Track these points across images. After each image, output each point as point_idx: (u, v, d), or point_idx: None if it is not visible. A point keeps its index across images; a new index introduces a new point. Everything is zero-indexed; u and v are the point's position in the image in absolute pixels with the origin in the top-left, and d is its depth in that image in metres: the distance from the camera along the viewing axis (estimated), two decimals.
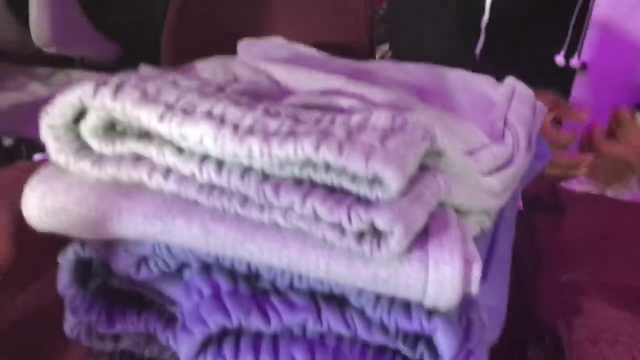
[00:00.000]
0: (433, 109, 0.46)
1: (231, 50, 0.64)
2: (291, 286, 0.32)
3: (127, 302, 0.37)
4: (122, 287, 0.37)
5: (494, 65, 0.90)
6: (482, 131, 0.48)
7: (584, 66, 0.83)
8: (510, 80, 0.56)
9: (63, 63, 1.06)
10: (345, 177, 0.29)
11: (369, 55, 1.06)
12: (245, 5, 1.04)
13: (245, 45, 0.63)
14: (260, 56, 0.59)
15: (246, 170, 0.30)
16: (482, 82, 0.56)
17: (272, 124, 0.30)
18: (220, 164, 0.31)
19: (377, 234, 0.28)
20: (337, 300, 0.32)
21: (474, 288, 0.29)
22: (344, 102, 0.38)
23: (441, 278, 0.28)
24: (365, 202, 0.28)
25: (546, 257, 0.56)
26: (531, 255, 0.60)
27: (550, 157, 0.59)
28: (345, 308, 0.32)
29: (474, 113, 0.51)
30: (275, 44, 0.62)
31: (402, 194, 0.29)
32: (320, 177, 0.29)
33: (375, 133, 0.30)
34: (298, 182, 0.30)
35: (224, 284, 0.32)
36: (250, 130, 0.30)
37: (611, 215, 0.61)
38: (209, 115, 0.31)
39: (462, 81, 0.55)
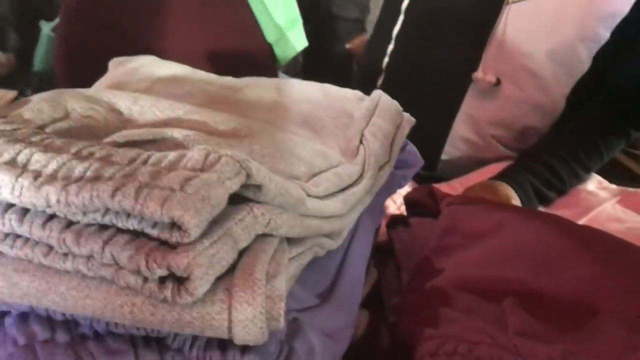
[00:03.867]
0: (286, 131, 0.47)
1: (125, 53, 0.63)
2: (109, 331, 0.32)
3: None
4: None
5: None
6: (339, 148, 0.50)
7: (498, 81, 0.86)
8: (375, 93, 0.57)
9: None
10: (145, 222, 0.29)
11: (268, 57, 1.06)
12: (139, 12, 1.02)
13: (114, 63, 0.62)
14: (127, 75, 0.58)
15: (50, 219, 0.30)
16: (347, 97, 0.57)
17: (79, 169, 0.30)
18: (24, 213, 0.30)
19: (178, 279, 0.29)
20: (156, 341, 0.32)
21: (280, 324, 0.29)
22: (177, 134, 0.38)
23: (243, 318, 0.29)
24: (166, 246, 0.29)
25: (419, 263, 0.58)
26: (409, 259, 0.61)
27: (421, 164, 0.61)
28: (163, 349, 0.32)
29: (334, 129, 0.52)
30: (145, 61, 0.61)
31: (203, 235, 0.29)
32: (123, 222, 0.29)
33: (182, 174, 0.30)
34: (103, 228, 0.30)
35: (40, 333, 0.32)
36: (52, 178, 0.29)
37: (482, 218, 0.63)
38: (12, 163, 0.30)
39: (327, 98, 0.56)
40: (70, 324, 0.32)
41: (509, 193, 0.78)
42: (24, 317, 0.32)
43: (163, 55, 0.64)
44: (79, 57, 1.06)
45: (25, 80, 1.29)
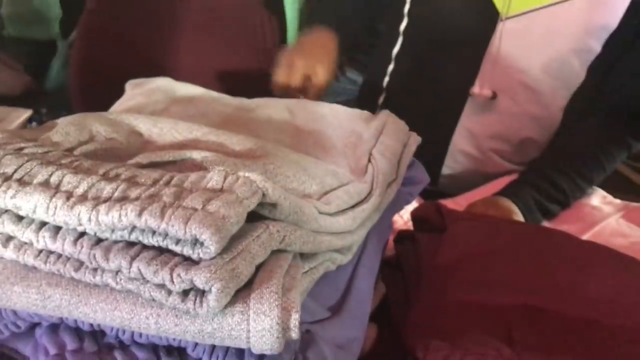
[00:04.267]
0: (298, 151, 0.49)
1: (136, 76, 0.66)
2: (133, 341, 0.34)
3: None
4: None
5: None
6: (349, 167, 0.52)
7: (494, 95, 0.89)
8: (383, 113, 0.59)
9: None
10: (170, 239, 0.31)
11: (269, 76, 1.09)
12: (153, 32, 1.05)
13: (132, 85, 0.64)
14: (144, 97, 0.61)
15: (80, 236, 0.32)
16: (355, 117, 0.59)
17: (107, 189, 0.32)
18: (57, 231, 0.32)
19: (200, 292, 0.31)
20: (177, 351, 0.34)
21: (294, 334, 0.31)
22: (196, 155, 0.41)
23: (261, 328, 0.31)
24: (189, 262, 0.31)
25: (425, 277, 0.60)
26: (416, 274, 0.63)
27: (427, 181, 0.63)
28: (184, 358, 0.34)
29: (343, 149, 0.54)
30: (161, 84, 0.63)
31: (223, 251, 0.31)
32: (148, 239, 0.31)
33: (203, 194, 0.32)
34: (130, 244, 0.32)
35: (70, 343, 0.34)
36: (83, 198, 0.32)
37: (488, 234, 0.65)
38: (45, 184, 0.32)
39: (336, 118, 0.58)
40: (97, 334, 0.34)
41: (511, 208, 0.79)
42: (54, 328, 0.35)
43: (174, 72, 0.67)
44: (93, 74, 1.09)
45: (40, 100, 1.32)
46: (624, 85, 0.86)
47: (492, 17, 0.86)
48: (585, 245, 0.65)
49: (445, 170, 0.97)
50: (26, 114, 1.06)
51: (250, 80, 1.02)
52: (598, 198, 0.87)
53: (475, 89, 0.89)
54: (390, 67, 0.99)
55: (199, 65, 1.02)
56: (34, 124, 1.05)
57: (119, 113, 0.47)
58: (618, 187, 0.91)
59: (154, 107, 0.57)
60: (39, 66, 1.35)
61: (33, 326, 0.36)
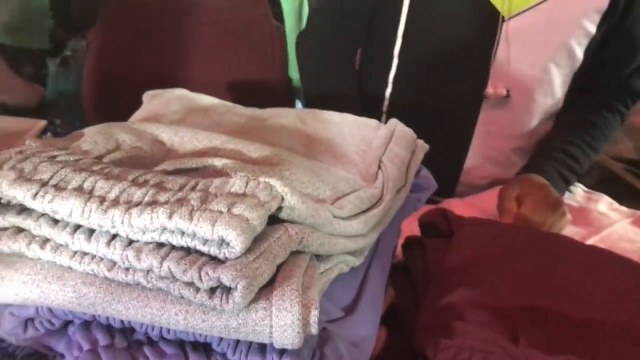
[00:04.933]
0: (310, 159, 0.51)
1: (148, 88, 0.68)
2: (161, 337, 0.36)
3: (22, 357, 0.41)
4: (16, 343, 0.40)
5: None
6: (359, 174, 0.54)
7: (508, 94, 0.92)
8: (391, 122, 0.62)
9: None
10: (198, 240, 0.33)
11: (283, 84, 1.12)
12: (165, 45, 1.08)
13: (149, 96, 0.66)
14: (162, 107, 0.63)
15: (113, 238, 0.34)
16: (365, 126, 0.61)
17: (137, 194, 0.35)
18: (90, 233, 0.34)
19: (226, 289, 0.33)
20: (203, 347, 0.36)
21: (314, 330, 0.33)
22: (217, 162, 0.43)
23: (283, 324, 0.33)
24: (215, 261, 0.33)
25: (433, 281, 0.61)
26: (424, 279, 0.65)
27: (434, 187, 0.65)
28: (210, 353, 0.36)
29: (354, 156, 0.57)
30: (177, 94, 0.65)
31: (247, 251, 0.33)
32: (177, 240, 0.33)
33: (228, 198, 0.34)
34: (160, 245, 0.34)
35: (102, 339, 0.36)
36: (115, 202, 0.34)
37: (494, 239, 0.67)
38: (79, 189, 0.35)
39: (346, 127, 0.61)
40: (127, 331, 0.36)
41: (543, 182, 0.86)
42: (87, 325, 0.37)
43: (185, 83, 0.69)
44: (105, 87, 1.12)
45: (53, 111, 1.35)
46: (613, 62, 0.94)
47: (494, 19, 0.88)
48: (589, 250, 0.67)
49: (465, 178, 0.99)
50: (40, 124, 1.08)
51: (261, 91, 1.05)
52: (605, 204, 0.89)
53: (489, 90, 0.92)
54: (388, 90, 1.00)
55: (209, 77, 1.04)
56: (48, 134, 1.08)
57: (141, 123, 0.49)
58: (623, 196, 0.94)
59: (172, 117, 0.60)
60: (36, 76, 1.38)
61: (66, 324, 0.38)
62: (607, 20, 0.88)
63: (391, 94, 0.99)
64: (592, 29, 0.89)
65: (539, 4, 0.87)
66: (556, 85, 0.93)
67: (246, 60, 1.08)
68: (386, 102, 1.00)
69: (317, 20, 1.02)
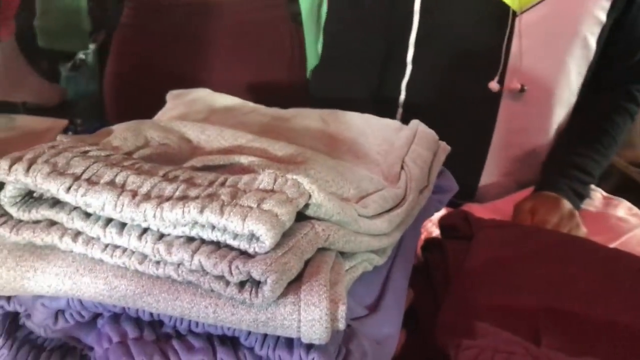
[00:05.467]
0: (332, 158, 0.52)
1: (169, 89, 0.69)
2: (190, 330, 0.36)
3: (51, 349, 0.41)
4: (46, 335, 0.41)
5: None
6: (382, 174, 0.54)
7: (522, 89, 0.91)
8: (413, 123, 0.62)
9: (6, 108, 1.09)
10: (228, 234, 0.34)
11: (303, 85, 1.12)
12: (185, 46, 1.09)
13: (173, 96, 0.67)
14: (186, 107, 0.64)
15: (144, 231, 0.35)
16: (387, 126, 0.61)
17: (168, 189, 0.35)
18: (122, 227, 0.35)
19: (256, 283, 0.33)
20: (231, 341, 0.36)
21: (341, 325, 0.34)
22: (244, 160, 0.43)
23: (311, 318, 0.33)
24: (245, 255, 0.33)
25: (453, 282, 0.62)
26: (444, 280, 0.65)
27: (456, 189, 0.65)
28: (237, 347, 0.36)
29: (376, 156, 0.57)
30: (201, 94, 0.66)
31: (277, 246, 0.33)
32: (208, 235, 0.34)
33: (257, 194, 0.35)
34: (190, 239, 0.34)
35: (131, 331, 0.36)
36: (147, 196, 0.34)
37: (515, 241, 0.67)
38: (112, 184, 0.35)
39: (369, 127, 0.61)
40: (155, 324, 0.37)
41: (559, 199, 0.86)
42: (116, 318, 0.37)
43: (206, 85, 0.70)
44: (126, 87, 1.13)
45: (73, 110, 1.37)
46: (620, 52, 0.94)
47: (506, 16, 0.88)
48: (610, 252, 0.67)
49: (485, 179, 0.98)
50: (62, 123, 1.10)
51: (280, 91, 1.06)
52: (624, 209, 0.88)
53: (505, 85, 0.91)
54: (402, 97, 0.99)
55: (229, 78, 1.05)
56: (69, 133, 1.09)
57: (169, 121, 0.50)
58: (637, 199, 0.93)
59: (195, 116, 0.60)
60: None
61: (95, 316, 0.38)
62: (617, 7, 0.88)
63: (405, 100, 0.99)
64: (603, 17, 0.89)
65: None
66: (572, 77, 0.93)
67: (266, 61, 1.08)
68: (400, 109, 1.00)
69: (330, 67, 1.02)
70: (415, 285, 0.66)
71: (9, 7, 1.10)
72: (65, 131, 1.07)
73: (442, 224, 0.75)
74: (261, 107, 0.66)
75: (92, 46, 1.45)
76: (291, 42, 1.10)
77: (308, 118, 0.63)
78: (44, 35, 1.37)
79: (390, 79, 1.00)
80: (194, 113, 0.62)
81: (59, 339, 0.41)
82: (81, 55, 1.44)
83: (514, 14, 0.88)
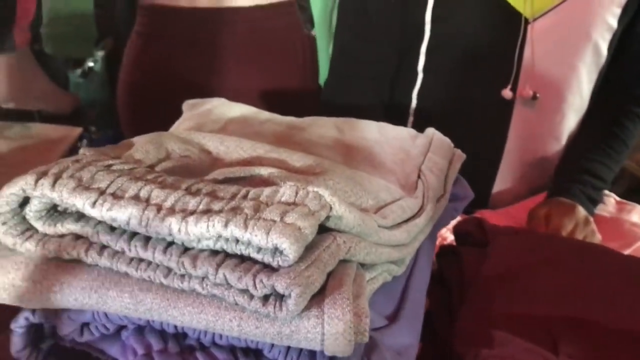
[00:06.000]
0: (349, 168, 0.52)
1: (183, 97, 0.69)
2: (214, 342, 0.37)
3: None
4: (71, 347, 0.42)
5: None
6: (398, 183, 0.54)
7: (535, 96, 0.91)
8: (429, 131, 0.62)
9: (21, 116, 1.10)
10: (252, 248, 0.34)
11: (316, 93, 1.12)
12: (198, 54, 1.09)
13: (189, 106, 0.68)
14: (202, 117, 0.64)
15: (169, 245, 0.35)
16: (402, 135, 0.62)
17: (192, 202, 0.36)
18: (147, 240, 0.35)
19: (280, 296, 0.33)
20: (254, 353, 0.37)
21: (365, 338, 0.34)
22: (263, 172, 0.44)
23: (335, 332, 0.33)
24: (269, 269, 0.34)
25: (470, 290, 0.62)
26: (460, 287, 0.65)
27: (471, 196, 0.65)
28: None
29: (392, 165, 0.57)
30: (217, 104, 0.67)
31: (300, 260, 0.34)
32: (232, 248, 0.34)
33: (280, 207, 0.35)
34: (214, 253, 0.35)
35: (155, 344, 0.37)
36: (171, 210, 0.35)
37: (531, 248, 0.67)
38: (136, 198, 0.36)
39: (384, 136, 0.61)
40: (179, 336, 0.37)
41: (574, 205, 0.86)
42: (140, 330, 0.38)
43: (219, 93, 0.70)
44: (140, 95, 1.14)
45: (87, 119, 1.38)
46: (630, 58, 0.94)
47: (518, 23, 0.88)
48: (627, 259, 0.67)
49: (498, 186, 0.98)
50: (76, 131, 1.11)
51: (293, 99, 1.06)
52: (638, 214, 0.88)
53: (518, 92, 0.92)
54: (413, 105, 0.99)
55: (243, 85, 1.05)
56: (84, 141, 1.10)
57: (188, 132, 0.51)
58: None
59: (212, 126, 0.61)
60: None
61: (119, 329, 0.39)
62: (627, 13, 0.89)
63: (416, 108, 0.99)
64: (614, 22, 0.89)
65: (560, 3, 0.87)
66: (584, 82, 0.93)
67: (278, 69, 1.09)
68: (411, 118, 1.01)
69: (341, 77, 1.03)
70: (430, 292, 0.66)
71: (24, 15, 1.11)
72: (79, 139, 1.08)
73: (457, 231, 0.75)
74: (276, 116, 0.66)
75: (100, 53, 1.46)
76: (303, 50, 1.10)
77: (323, 127, 0.63)
78: (51, 42, 1.38)
79: (401, 88, 1.00)
80: (211, 123, 0.62)
81: (83, 350, 0.41)
82: (90, 63, 1.45)
83: (526, 21, 0.88)
